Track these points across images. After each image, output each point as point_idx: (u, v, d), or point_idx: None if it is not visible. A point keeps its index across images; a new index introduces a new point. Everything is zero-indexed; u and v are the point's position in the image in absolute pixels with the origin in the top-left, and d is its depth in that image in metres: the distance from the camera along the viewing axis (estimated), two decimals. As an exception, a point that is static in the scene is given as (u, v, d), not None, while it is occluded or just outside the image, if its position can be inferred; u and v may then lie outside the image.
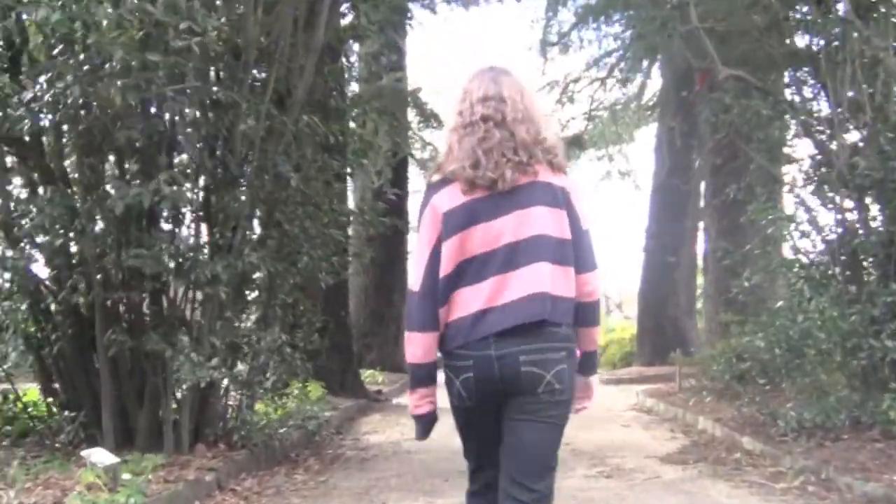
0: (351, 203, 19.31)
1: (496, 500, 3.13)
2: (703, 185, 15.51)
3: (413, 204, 29.17)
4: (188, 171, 7.66)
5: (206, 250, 7.46)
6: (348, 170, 11.46)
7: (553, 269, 2.95)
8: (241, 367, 8.47)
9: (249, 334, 8.64)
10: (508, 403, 3.02)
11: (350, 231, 14.95)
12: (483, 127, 3.03)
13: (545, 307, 2.92)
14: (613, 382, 19.19)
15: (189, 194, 7.42)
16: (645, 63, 23.23)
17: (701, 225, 18.64)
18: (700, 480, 7.04)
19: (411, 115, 20.86)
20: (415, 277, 3.07)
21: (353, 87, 17.44)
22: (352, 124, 11.48)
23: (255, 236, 8.36)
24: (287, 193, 8.36)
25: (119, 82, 6.20)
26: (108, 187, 7.23)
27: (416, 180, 27.76)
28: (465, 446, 3.32)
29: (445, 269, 2.98)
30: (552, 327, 2.94)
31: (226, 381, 8.15)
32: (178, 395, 7.58)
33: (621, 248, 51.43)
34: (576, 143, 24.58)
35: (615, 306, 53.59)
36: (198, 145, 7.52)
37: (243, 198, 7.59)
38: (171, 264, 6.92)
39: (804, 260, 8.68)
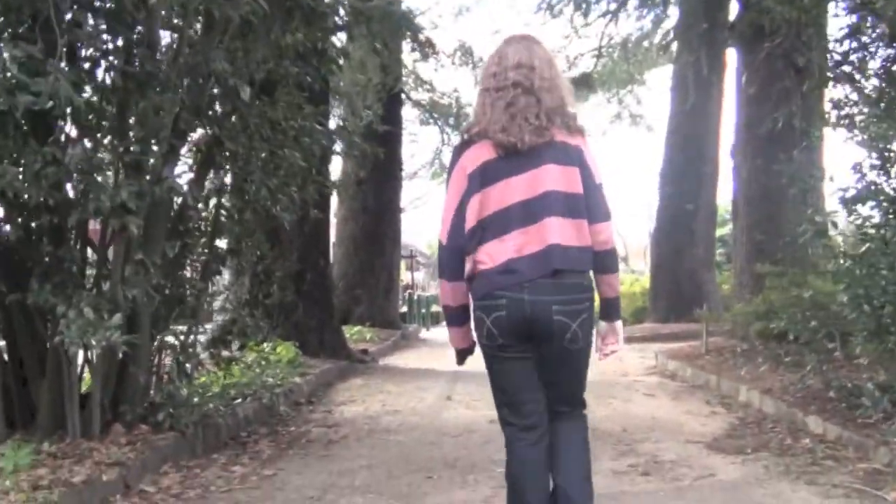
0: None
1: (542, 437, 3.39)
2: (734, 118, 13.58)
3: (407, 148, 27.63)
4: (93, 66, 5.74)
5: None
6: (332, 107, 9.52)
7: (562, 222, 3.19)
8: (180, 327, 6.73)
9: (189, 285, 6.88)
10: (536, 348, 3.28)
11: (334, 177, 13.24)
12: (512, 92, 3.28)
13: (558, 257, 3.17)
14: (625, 341, 17.44)
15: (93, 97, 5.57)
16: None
17: (729, 166, 16.78)
18: (771, 483, 5.21)
19: (406, 51, 19.06)
20: (443, 230, 3.34)
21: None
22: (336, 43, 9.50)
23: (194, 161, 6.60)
24: (233, 106, 6.53)
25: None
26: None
27: (411, 123, 26.04)
28: (496, 387, 3.47)
29: (470, 222, 3.24)
30: (575, 277, 3.22)
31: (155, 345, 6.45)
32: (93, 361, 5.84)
33: (628, 198, 49.46)
34: (584, 83, 22.72)
35: (620, 259, 52.09)
36: (104, 36, 5.65)
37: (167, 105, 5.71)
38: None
39: (889, 191, 6.78)
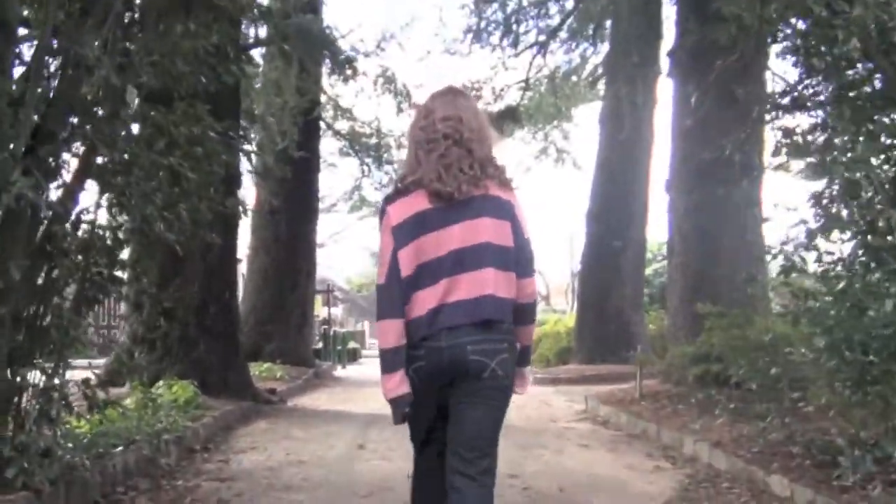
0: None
1: (442, 473, 3.35)
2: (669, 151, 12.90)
3: (326, 180, 26.70)
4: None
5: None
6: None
7: (496, 274, 3.28)
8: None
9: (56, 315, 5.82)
10: (456, 389, 3.31)
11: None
12: (444, 143, 3.36)
13: (490, 307, 3.25)
14: (549, 382, 16.73)
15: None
16: (591, 27, 20.97)
17: (659, 202, 16.16)
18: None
19: (325, 75, 18.18)
20: (381, 271, 3.34)
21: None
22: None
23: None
24: (113, 107, 5.53)
25: None
26: None
27: (331, 154, 25.08)
28: (413, 429, 3.47)
29: (406, 270, 3.26)
30: (496, 323, 3.27)
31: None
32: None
33: (550, 235, 49.38)
34: (510, 116, 22.03)
35: (541, 298, 51.54)
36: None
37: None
38: None
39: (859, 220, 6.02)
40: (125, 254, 6.89)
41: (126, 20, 5.99)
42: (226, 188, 8.44)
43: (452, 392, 3.31)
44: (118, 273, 6.51)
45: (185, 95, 6.55)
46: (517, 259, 3.32)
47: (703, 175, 11.95)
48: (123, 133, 5.77)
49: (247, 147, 11.28)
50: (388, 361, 3.30)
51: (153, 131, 5.85)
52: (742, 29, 9.06)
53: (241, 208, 9.52)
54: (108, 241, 6.15)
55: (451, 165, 3.31)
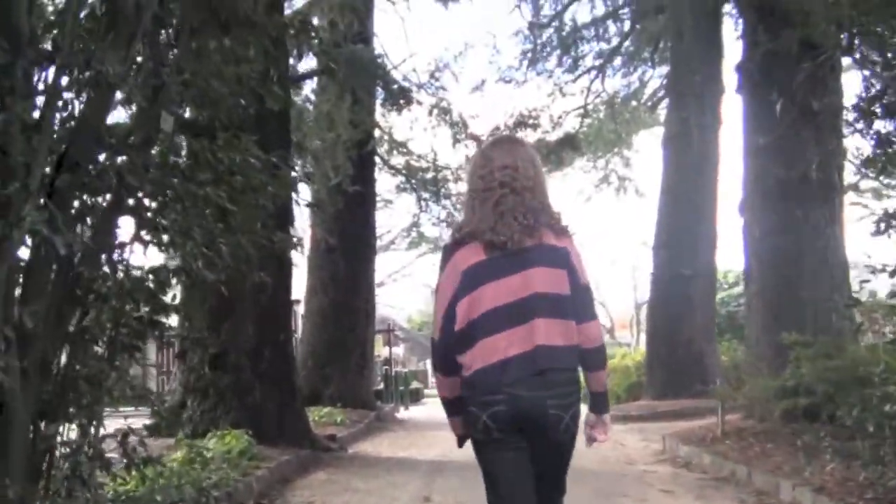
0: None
1: None
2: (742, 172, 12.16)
3: (383, 214, 26.22)
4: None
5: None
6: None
7: (547, 323, 3.26)
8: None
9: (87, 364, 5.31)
10: (531, 441, 3.30)
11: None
12: (500, 192, 3.38)
13: (544, 358, 3.23)
14: (620, 419, 15.94)
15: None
16: (649, 50, 20.37)
17: (730, 226, 15.41)
18: None
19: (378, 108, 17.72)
20: (436, 327, 3.43)
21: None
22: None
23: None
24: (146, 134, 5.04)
25: None
26: None
27: (387, 191, 24.64)
28: (489, 479, 3.40)
29: (460, 323, 3.31)
30: (562, 374, 3.28)
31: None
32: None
33: (612, 266, 48.59)
34: (568, 144, 21.42)
35: (605, 331, 50.57)
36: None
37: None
38: None
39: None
40: (172, 297, 6.41)
41: (159, 39, 5.54)
42: (276, 223, 7.93)
43: (527, 444, 3.32)
44: (161, 318, 6.01)
45: (227, 124, 6.08)
46: (575, 306, 3.33)
47: (780, 195, 11.29)
48: (158, 163, 5.26)
49: (296, 175, 10.77)
50: (450, 407, 3.51)
51: (191, 161, 5.33)
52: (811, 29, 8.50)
53: (294, 244, 8.99)
54: (150, 284, 5.66)
55: (504, 213, 3.33)
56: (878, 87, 8.40)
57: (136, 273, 5.57)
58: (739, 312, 26.77)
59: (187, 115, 6.27)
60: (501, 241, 3.29)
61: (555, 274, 3.31)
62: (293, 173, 9.28)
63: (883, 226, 6.87)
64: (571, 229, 3.49)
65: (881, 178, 8.11)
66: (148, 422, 8.36)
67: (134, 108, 5.49)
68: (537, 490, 3.37)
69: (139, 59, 5.32)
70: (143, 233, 5.41)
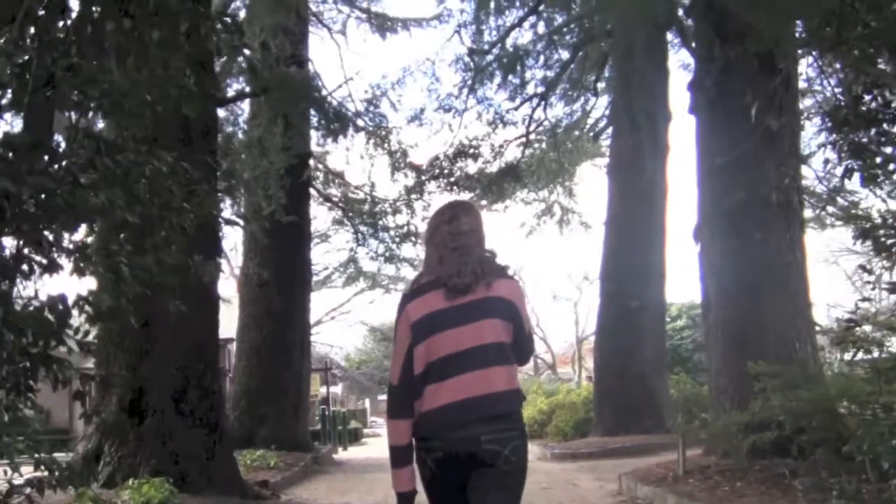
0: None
1: None
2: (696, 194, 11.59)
3: (317, 252, 25.50)
4: None
5: None
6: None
7: (499, 370, 3.53)
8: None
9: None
10: (473, 475, 3.46)
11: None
12: (466, 247, 3.65)
13: (498, 402, 3.49)
14: (570, 458, 15.31)
15: None
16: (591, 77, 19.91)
17: (680, 254, 14.91)
18: None
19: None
20: (393, 371, 3.63)
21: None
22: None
23: None
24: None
25: None
26: None
27: (322, 218, 23.93)
28: None
29: (418, 367, 3.53)
30: (504, 416, 3.50)
31: None
32: None
33: (553, 300, 48.37)
34: (510, 174, 20.78)
35: (547, 367, 49.99)
36: None
37: None
38: None
39: None
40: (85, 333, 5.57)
41: (53, 27, 4.76)
42: (199, 249, 7.10)
43: (470, 479, 3.47)
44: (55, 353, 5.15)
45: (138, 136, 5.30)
46: (516, 352, 3.62)
47: (739, 217, 10.69)
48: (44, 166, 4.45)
49: (220, 186, 9.94)
50: (399, 457, 3.59)
51: (84, 162, 4.51)
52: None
53: (216, 272, 8.17)
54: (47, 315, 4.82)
55: (467, 264, 3.58)
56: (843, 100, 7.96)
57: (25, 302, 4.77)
58: (682, 345, 26.47)
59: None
60: (466, 283, 3.55)
61: (503, 326, 3.57)
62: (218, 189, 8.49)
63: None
64: (511, 270, 3.78)
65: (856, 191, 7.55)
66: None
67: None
68: None
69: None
70: (26, 251, 4.60)
